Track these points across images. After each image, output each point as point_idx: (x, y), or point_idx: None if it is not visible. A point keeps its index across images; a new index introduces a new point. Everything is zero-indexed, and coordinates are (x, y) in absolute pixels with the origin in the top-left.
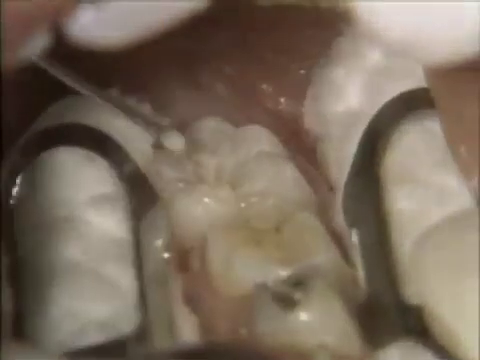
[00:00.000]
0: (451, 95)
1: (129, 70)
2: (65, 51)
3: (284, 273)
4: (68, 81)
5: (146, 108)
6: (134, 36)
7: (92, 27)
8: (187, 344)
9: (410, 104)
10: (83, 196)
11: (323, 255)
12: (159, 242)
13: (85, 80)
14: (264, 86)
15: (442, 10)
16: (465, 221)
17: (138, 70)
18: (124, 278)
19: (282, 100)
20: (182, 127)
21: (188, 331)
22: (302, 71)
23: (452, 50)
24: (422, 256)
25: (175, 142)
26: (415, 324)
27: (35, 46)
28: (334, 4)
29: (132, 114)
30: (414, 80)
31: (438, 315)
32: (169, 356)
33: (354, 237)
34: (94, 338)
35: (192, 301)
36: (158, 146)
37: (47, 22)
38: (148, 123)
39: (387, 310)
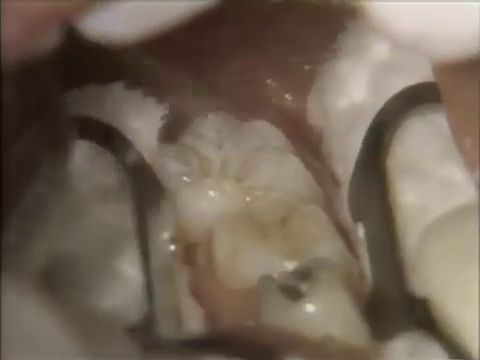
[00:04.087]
0: (458, 89)
1: (134, 65)
2: (70, 45)
3: (290, 266)
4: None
5: (151, 103)
6: (145, 33)
7: (104, 23)
8: (193, 333)
9: (415, 98)
10: (89, 188)
11: (329, 247)
12: (165, 235)
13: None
14: (269, 81)
15: (451, 6)
16: (469, 213)
17: (143, 65)
18: (131, 270)
19: (287, 95)
20: (187, 122)
21: (194, 323)
22: (307, 66)
23: (460, 45)
24: (427, 248)
25: None
26: (421, 316)
27: (46, 42)
28: (343, 1)
29: None
30: (419, 75)
31: (443, 307)
32: (175, 345)
33: (360, 231)
34: None
35: (198, 294)
36: None
37: (61, 20)
38: None
39: (393, 302)
